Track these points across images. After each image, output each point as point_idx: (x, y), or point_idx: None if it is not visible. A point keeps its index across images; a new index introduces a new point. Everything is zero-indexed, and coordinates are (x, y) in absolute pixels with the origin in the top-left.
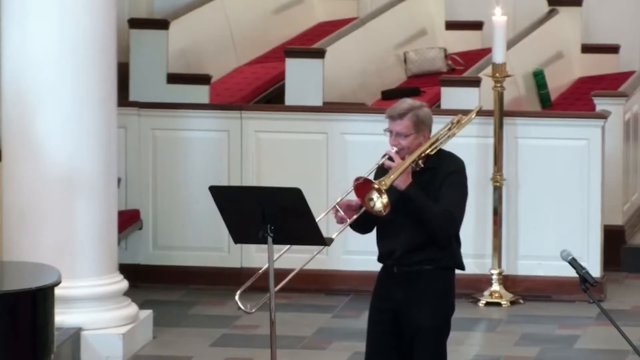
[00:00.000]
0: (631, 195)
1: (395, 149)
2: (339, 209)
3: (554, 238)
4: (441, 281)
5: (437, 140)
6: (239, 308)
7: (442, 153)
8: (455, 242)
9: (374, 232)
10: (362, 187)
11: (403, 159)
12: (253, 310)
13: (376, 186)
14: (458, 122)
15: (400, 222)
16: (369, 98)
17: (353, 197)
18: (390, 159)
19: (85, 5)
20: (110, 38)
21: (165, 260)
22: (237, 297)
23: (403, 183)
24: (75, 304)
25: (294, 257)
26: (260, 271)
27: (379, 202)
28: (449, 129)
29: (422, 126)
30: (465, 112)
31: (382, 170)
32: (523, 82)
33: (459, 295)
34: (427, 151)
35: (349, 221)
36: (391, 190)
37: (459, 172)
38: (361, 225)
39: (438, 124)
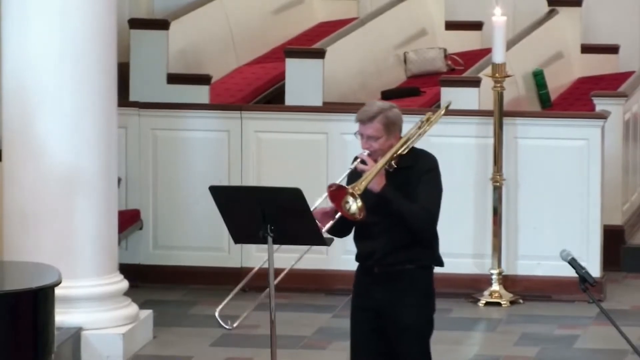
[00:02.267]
0: (630, 195)
1: (367, 152)
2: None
3: (554, 238)
4: (423, 280)
5: (408, 140)
6: (220, 325)
7: (415, 151)
8: (434, 239)
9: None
10: (337, 193)
11: (375, 161)
12: (234, 326)
13: (350, 192)
14: (428, 119)
15: (379, 224)
16: (368, 98)
17: (327, 204)
18: (363, 162)
19: (85, 5)
20: (110, 38)
21: (166, 260)
22: (216, 314)
23: (377, 185)
24: (75, 303)
25: (294, 257)
26: (236, 289)
27: (354, 205)
28: (419, 128)
29: (392, 127)
30: (464, 112)
31: (355, 174)
32: (523, 82)
33: (459, 295)
34: (400, 151)
35: (324, 228)
36: (367, 193)
37: (434, 170)
38: (339, 230)
39: (438, 125)
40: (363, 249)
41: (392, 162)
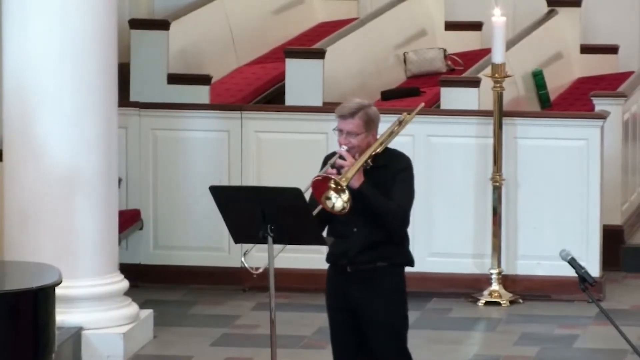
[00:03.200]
0: (630, 195)
1: (345, 147)
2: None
3: (553, 238)
4: (395, 278)
5: (386, 139)
6: (246, 267)
7: (389, 151)
8: (406, 238)
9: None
10: (320, 184)
11: (354, 157)
12: (260, 270)
13: (333, 185)
14: (403, 120)
15: (354, 222)
16: (368, 98)
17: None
18: (342, 158)
19: (86, 5)
20: (111, 38)
21: (166, 260)
22: (242, 259)
23: (357, 181)
24: (76, 303)
25: (294, 257)
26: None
27: (339, 200)
28: (395, 128)
29: (371, 125)
30: (464, 113)
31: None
32: (522, 83)
33: (459, 294)
34: (378, 149)
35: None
36: None
37: (408, 170)
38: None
39: (438, 125)
40: (336, 248)
41: (369, 161)
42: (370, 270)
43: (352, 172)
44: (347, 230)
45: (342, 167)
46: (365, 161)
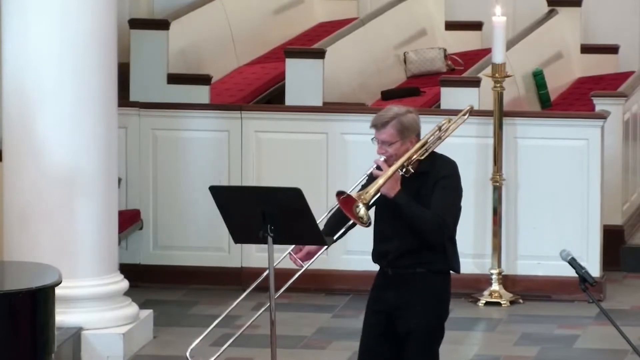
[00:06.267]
0: (630, 195)
1: (383, 157)
2: (294, 257)
3: (554, 238)
4: (434, 285)
5: (424, 144)
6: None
7: (434, 156)
8: (450, 245)
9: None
10: (346, 201)
11: (390, 167)
12: None
13: (358, 202)
14: (448, 121)
15: (393, 226)
16: (369, 98)
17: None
18: (379, 168)
19: (85, 5)
20: (110, 38)
21: (166, 260)
22: (187, 354)
23: (391, 190)
24: (75, 303)
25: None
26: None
27: (362, 211)
28: (438, 132)
29: (407, 132)
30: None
31: (372, 179)
32: (523, 82)
33: (459, 295)
34: (415, 156)
35: (304, 266)
36: (381, 196)
37: (450, 176)
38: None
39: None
40: (378, 250)
41: (410, 168)
42: (409, 275)
43: (376, 188)
44: (388, 233)
45: (378, 177)
46: (399, 169)
